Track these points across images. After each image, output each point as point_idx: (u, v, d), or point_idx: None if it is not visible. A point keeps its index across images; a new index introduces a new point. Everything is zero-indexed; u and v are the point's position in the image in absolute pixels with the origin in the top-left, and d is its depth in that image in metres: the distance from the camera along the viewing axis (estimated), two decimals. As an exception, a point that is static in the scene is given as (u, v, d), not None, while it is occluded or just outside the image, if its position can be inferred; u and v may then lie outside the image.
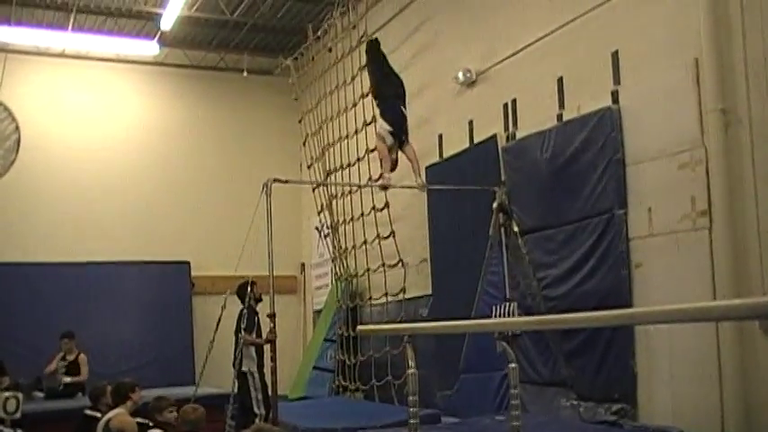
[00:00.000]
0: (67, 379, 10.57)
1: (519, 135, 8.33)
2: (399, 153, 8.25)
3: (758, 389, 5.75)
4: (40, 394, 10.42)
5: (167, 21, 11.41)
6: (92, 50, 12.75)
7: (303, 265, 14.13)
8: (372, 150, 10.29)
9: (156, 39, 12.28)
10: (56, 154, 12.55)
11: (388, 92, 8.53)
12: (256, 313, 9.01)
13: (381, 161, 8.29)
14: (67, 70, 12.92)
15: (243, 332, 8.68)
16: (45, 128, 12.51)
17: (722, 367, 5.96)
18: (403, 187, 8.87)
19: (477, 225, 8.57)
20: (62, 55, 12.79)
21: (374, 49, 9.06)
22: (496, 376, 7.91)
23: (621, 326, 6.55)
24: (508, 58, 8.58)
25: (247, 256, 7.92)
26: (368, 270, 10.79)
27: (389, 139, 8.12)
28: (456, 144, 9.40)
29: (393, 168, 8.21)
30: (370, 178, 10.28)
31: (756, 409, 5.75)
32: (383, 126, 8.22)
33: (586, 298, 7.05)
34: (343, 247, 11.48)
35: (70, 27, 11.78)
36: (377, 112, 8.77)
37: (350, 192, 11.03)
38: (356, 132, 10.75)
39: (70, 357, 10.79)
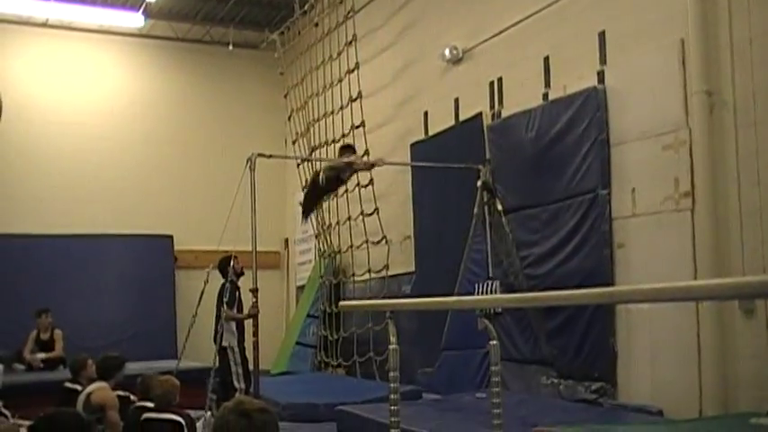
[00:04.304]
0: (42, 355, 10.53)
1: (504, 114, 8.33)
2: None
3: (736, 369, 5.81)
4: (21, 367, 10.39)
5: (152, -8, 11.30)
6: (75, 21, 12.59)
7: (287, 240, 14.12)
8: (357, 126, 10.28)
9: (142, 10, 12.16)
10: (38, 126, 12.42)
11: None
12: (238, 288, 8.99)
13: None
14: (50, 41, 12.76)
15: (225, 307, 8.67)
16: (27, 99, 12.37)
17: (701, 347, 6.02)
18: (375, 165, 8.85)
19: (461, 203, 8.58)
20: (45, 25, 12.64)
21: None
22: (478, 354, 7.94)
23: (602, 305, 6.59)
24: (495, 36, 8.55)
25: (231, 231, 7.89)
26: (351, 246, 10.80)
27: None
28: (441, 122, 9.39)
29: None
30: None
31: (734, 388, 5.81)
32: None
33: (568, 277, 7.08)
34: (327, 223, 11.47)
35: (54, -4, 11.64)
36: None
37: (334, 168, 10.99)
38: (341, 108, 10.71)
39: (44, 336, 10.72)
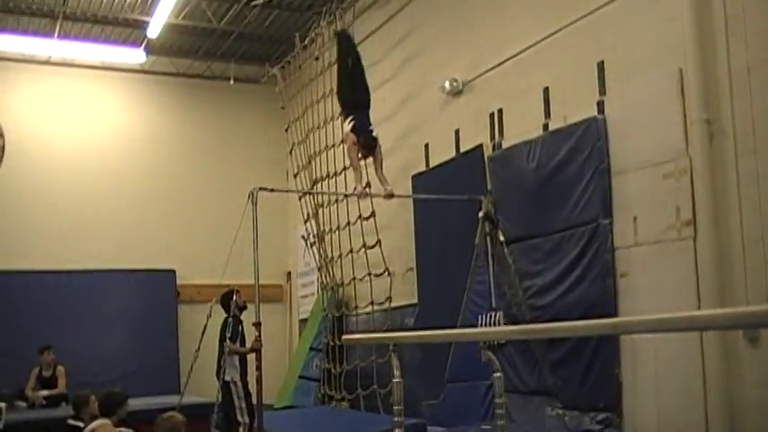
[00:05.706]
0: (45, 392, 10.47)
1: (505, 145, 8.35)
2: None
3: (742, 398, 5.76)
4: (24, 404, 10.34)
5: (154, 28, 11.38)
6: (78, 58, 12.69)
7: (289, 273, 14.09)
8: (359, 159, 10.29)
9: (143, 47, 12.26)
10: (41, 162, 12.48)
11: (358, 98, 8.17)
12: (240, 322, 8.99)
13: (354, 170, 8.14)
14: (53, 78, 12.85)
15: (227, 341, 8.66)
16: (30, 135, 12.45)
17: (707, 377, 5.98)
18: (374, 196, 8.85)
19: (463, 234, 8.57)
20: (48, 62, 12.73)
21: (346, 41, 8.68)
22: (482, 386, 7.90)
23: (606, 335, 6.56)
24: (495, 67, 8.60)
25: (233, 265, 7.90)
26: (354, 279, 10.77)
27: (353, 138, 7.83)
28: (442, 153, 9.41)
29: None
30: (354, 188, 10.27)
31: (740, 418, 5.76)
32: (347, 130, 7.99)
33: (572, 307, 7.05)
34: (330, 255, 11.46)
35: (56, 34, 11.73)
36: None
37: (336, 201, 11.02)
38: (343, 141, 10.72)
39: (47, 373, 10.67)
